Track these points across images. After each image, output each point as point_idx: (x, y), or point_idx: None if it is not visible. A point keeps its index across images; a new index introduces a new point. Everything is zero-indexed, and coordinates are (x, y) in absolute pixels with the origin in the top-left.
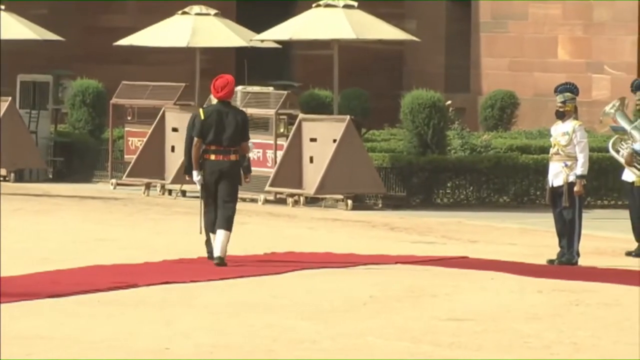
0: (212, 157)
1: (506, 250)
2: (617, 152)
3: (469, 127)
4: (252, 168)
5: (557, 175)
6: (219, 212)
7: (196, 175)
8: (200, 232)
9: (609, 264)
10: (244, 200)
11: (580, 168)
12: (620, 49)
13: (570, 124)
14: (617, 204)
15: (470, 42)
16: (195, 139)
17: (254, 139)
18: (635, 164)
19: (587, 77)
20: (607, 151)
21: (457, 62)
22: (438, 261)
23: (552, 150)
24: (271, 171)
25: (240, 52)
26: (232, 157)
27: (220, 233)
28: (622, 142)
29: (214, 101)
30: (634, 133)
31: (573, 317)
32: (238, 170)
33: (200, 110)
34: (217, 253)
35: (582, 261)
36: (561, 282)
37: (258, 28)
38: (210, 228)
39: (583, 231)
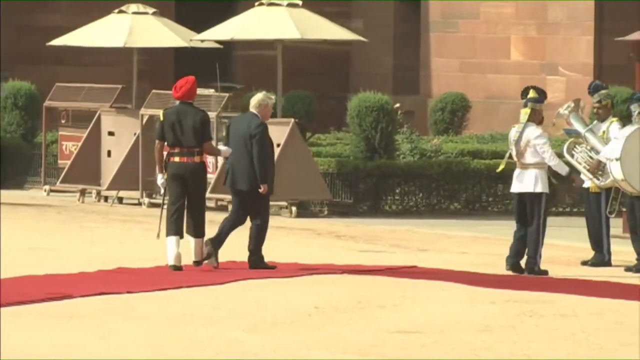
0: (177, 159)
1: (457, 259)
2: (572, 156)
3: (418, 131)
4: None
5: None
6: (189, 221)
7: (160, 179)
8: (158, 237)
9: (564, 273)
10: None
11: None
12: (576, 50)
13: None
14: (572, 211)
15: (419, 43)
16: (157, 142)
17: None
18: (599, 174)
19: (541, 79)
20: (562, 156)
21: (406, 63)
22: (386, 271)
23: None
24: (212, 177)
25: (179, 53)
26: (196, 158)
27: (193, 242)
28: (577, 146)
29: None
30: (589, 136)
31: (527, 328)
32: (204, 173)
33: (161, 112)
34: (194, 258)
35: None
36: (514, 293)
37: (198, 28)
38: (172, 232)
39: None
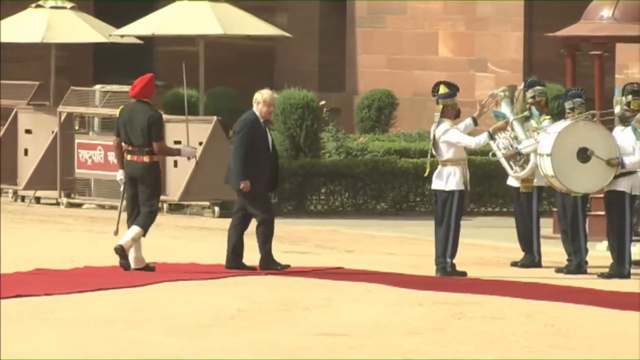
0: (129, 157)
1: (384, 260)
2: (494, 140)
3: (344, 129)
4: (110, 173)
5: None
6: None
7: (119, 175)
8: (116, 234)
9: (494, 274)
10: (102, 207)
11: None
12: (505, 46)
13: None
14: (501, 211)
15: (345, 38)
16: (115, 138)
17: (111, 141)
18: (512, 162)
19: (470, 75)
20: (486, 150)
21: (332, 60)
22: (311, 272)
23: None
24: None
25: (98, 49)
26: (145, 158)
27: (131, 228)
28: (502, 131)
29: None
30: (515, 124)
31: (455, 331)
32: (152, 173)
33: (119, 108)
34: (121, 241)
35: (466, 271)
36: (443, 295)
37: (118, 23)
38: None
39: (467, 240)
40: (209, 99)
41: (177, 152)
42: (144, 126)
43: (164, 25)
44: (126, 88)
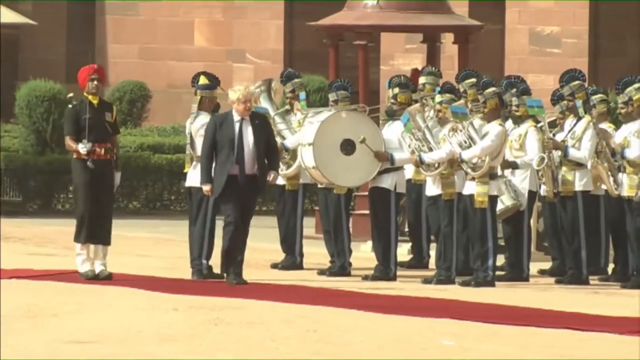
0: None
1: (137, 262)
2: None
3: None
4: None
5: None
6: None
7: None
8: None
9: (253, 277)
10: None
11: None
12: (265, 35)
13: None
14: (261, 210)
15: (95, 26)
16: None
17: None
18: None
19: (228, 66)
20: None
21: (81, 49)
22: (59, 275)
23: None
24: None
25: None
26: None
27: None
28: None
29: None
30: (277, 119)
31: (212, 337)
32: (72, 171)
33: None
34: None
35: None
36: (200, 299)
37: None
38: None
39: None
40: None
41: (75, 149)
42: None
43: None
44: None
